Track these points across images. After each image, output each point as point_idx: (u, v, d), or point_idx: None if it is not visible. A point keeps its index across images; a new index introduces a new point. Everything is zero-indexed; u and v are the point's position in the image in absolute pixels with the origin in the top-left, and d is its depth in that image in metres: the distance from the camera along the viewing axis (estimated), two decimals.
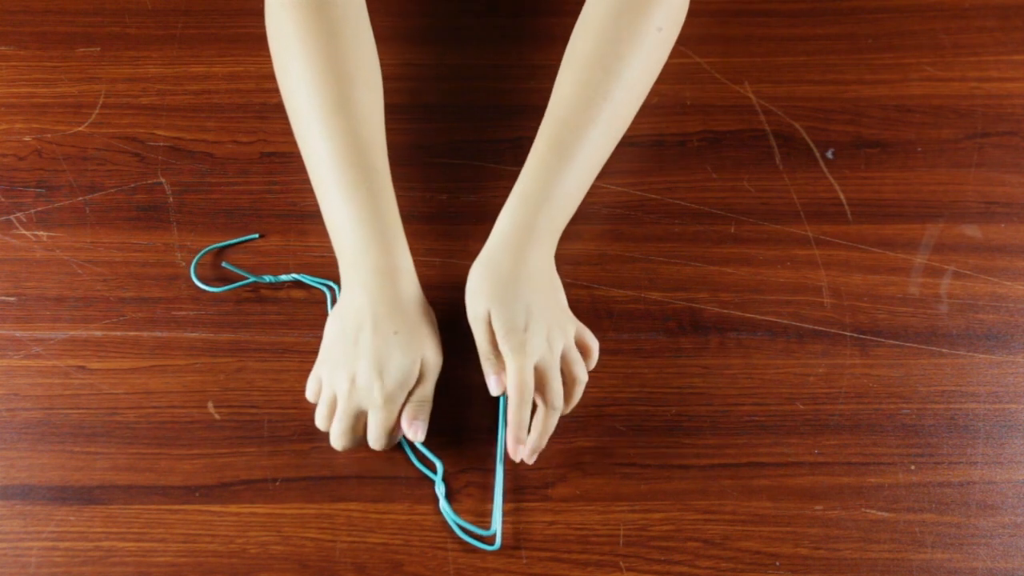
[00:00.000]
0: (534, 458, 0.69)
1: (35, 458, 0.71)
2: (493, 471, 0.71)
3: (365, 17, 0.77)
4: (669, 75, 0.83)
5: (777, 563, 0.69)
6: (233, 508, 0.70)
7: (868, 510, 0.70)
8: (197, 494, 0.70)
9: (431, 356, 0.70)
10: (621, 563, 0.68)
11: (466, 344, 0.72)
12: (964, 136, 0.85)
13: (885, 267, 0.79)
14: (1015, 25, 0.91)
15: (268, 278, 0.77)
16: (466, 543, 0.69)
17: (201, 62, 0.88)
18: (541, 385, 0.68)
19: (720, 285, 0.78)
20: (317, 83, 0.72)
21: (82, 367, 0.74)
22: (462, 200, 0.82)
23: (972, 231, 0.81)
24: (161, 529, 0.69)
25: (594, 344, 0.72)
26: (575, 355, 0.70)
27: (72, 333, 0.76)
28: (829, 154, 0.84)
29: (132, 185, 0.82)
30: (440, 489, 0.69)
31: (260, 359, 0.75)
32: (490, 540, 0.68)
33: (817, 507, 0.70)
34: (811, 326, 0.77)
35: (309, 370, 0.72)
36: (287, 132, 0.80)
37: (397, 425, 0.69)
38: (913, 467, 0.72)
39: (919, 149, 0.84)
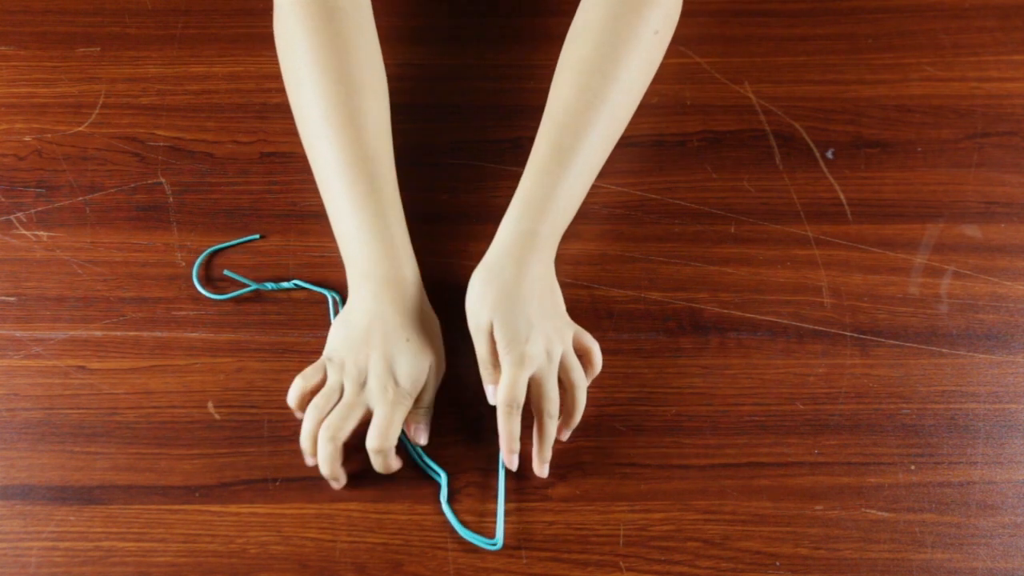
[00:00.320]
0: (546, 470, 0.70)
1: (35, 458, 0.71)
2: (492, 471, 0.71)
3: (372, 25, 0.77)
4: (669, 75, 0.83)
5: (777, 563, 0.69)
6: (233, 508, 0.70)
7: (868, 510, 0.70)
8: (197, 494, 0.70)
9: (436, 364, 0.71)
10: (621, 563, 0.68)
11: (467, 343, 0.72)
12: (964, 136, 0.85)
13: (885, 267, 0.79)
14: (1015, 25, 0.91)
15: (270, 285, 0.77)
16: (466, 543, 0.69)
17: (201, 62, 0.88)
18: (537, 395, 0.69)
19: (720, 285, 0.78)
20: (325, 92, 0.73)
21: (82, 367, 0.74)
22: (462, 200, 0.82)
23: (972, 231, 0.81)
24: (161, 529, 0.69)
25: (594, 346, 0.72)
26: (573, 361, 0.71)
27: (72, 333, 0.76)
28: (829, 154, 0.84)
29: (132, 185, 0.82)
30: (444, 494, 0.69)
31: (260, 359, 0.75)
32: (491, 540, 0.69)
33: (817, 507, 0.70)
34: (811, 326, 0.77)
35: None
36: (287, 132, 0.81)
37: (398, 428, 0.69)
38: (913, 467, 0.72)
39: (919, 149, 0.84)
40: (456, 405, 0.73)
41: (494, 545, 0.68)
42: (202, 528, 0.69)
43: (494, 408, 0.70)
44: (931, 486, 0.71)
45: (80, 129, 0.84)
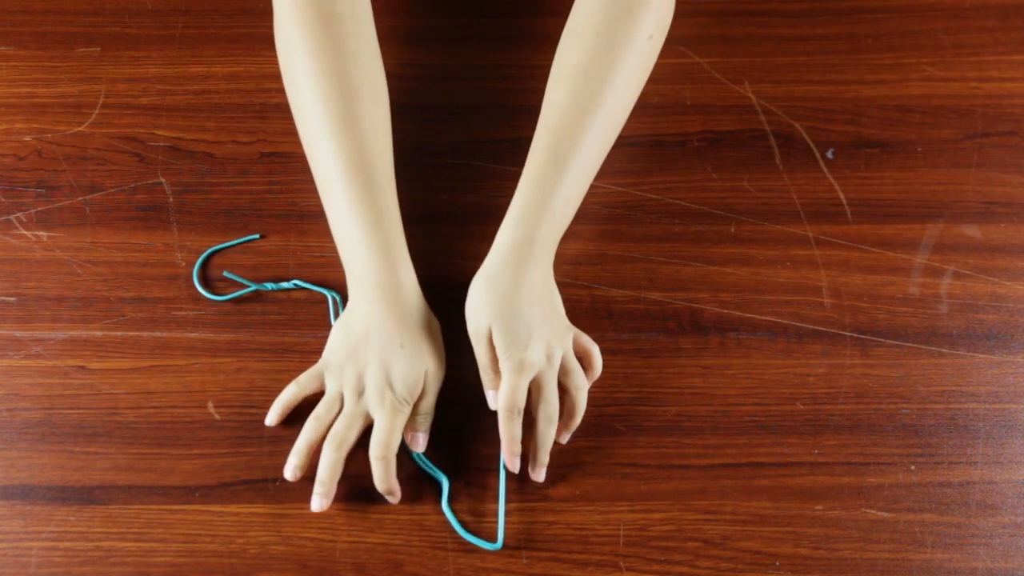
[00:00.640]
0: (543, 474, 0.70)
1: (35, 458, 0.71)
2: (492, 471, 0.71)
3: (371, 30, 0.77)
4: (669, 75, 0.83)
5: (777, 563, 0.69)
6: (233, 508, 0.70)
7: (868, 510, 0.70)
8: (197, 494, 0.70)
9: (434, 370, 0.71)
10: (621, 563, 0.68)
11: (467, 345, 0.72)
12: (964, 136, 0.85)
13: (885, 267, 0.79)
14: (1015, 25, 0.91)
15: (270, 285, 0.77)
16: (466, 543, 0.69)
17: (201, 62, 0.88)
18: (537, 399, 0.69)
19: (720, 285, 0.78)
20: (323, 98, 0.73)
21: (82, 367, 0.74)
22: (462, 200, 0.82)
23: (972, 231, 0.81)
24: (161, 529, 0.69)
25: (594, 349, 0.73)
26: (573, 364, 0.71)
27: (72, 333, 0.76)
28: (829, 154, 0.84)
29: (132, 185, 0.82)
30: (445, 498, 0.69)
31: (260, 359, 0.75)
32: (492, 539, 0.69)
33: (817, 507, 0.70)
34: (811, 326, 0.77)
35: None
36: (287, 132, 0.81)
37: (399, 436, 0.69)
38: (913, 467, 0.72)
39: (919, 149, 0.84)
40: (457, 405, 0.73)
41: (494, 545, 0.68)
42: (202, 528, 0.69)
43: (495, 411, 0.70)
44: (931, 486, 0.71)
45: (80, 129, 0.84)
